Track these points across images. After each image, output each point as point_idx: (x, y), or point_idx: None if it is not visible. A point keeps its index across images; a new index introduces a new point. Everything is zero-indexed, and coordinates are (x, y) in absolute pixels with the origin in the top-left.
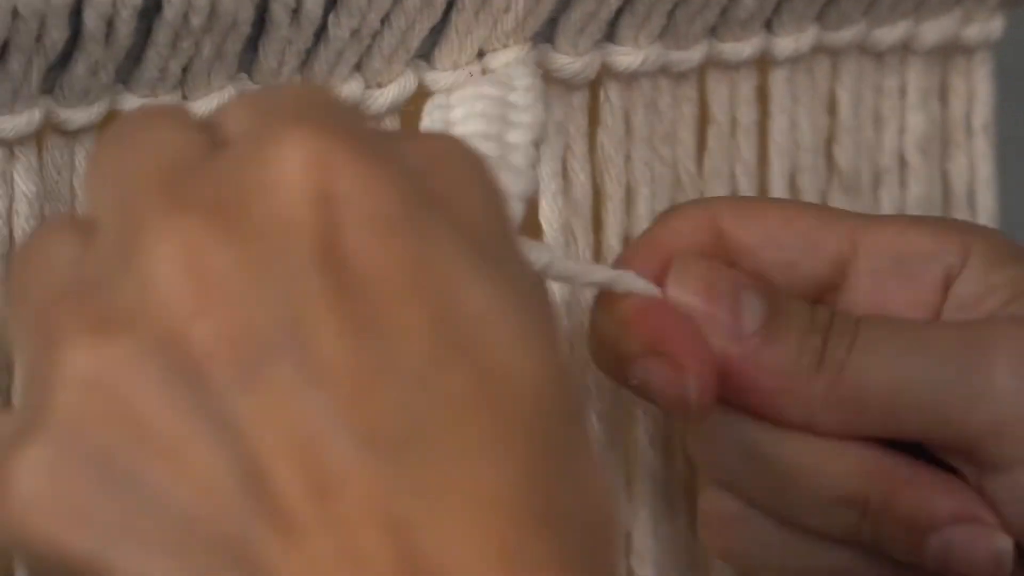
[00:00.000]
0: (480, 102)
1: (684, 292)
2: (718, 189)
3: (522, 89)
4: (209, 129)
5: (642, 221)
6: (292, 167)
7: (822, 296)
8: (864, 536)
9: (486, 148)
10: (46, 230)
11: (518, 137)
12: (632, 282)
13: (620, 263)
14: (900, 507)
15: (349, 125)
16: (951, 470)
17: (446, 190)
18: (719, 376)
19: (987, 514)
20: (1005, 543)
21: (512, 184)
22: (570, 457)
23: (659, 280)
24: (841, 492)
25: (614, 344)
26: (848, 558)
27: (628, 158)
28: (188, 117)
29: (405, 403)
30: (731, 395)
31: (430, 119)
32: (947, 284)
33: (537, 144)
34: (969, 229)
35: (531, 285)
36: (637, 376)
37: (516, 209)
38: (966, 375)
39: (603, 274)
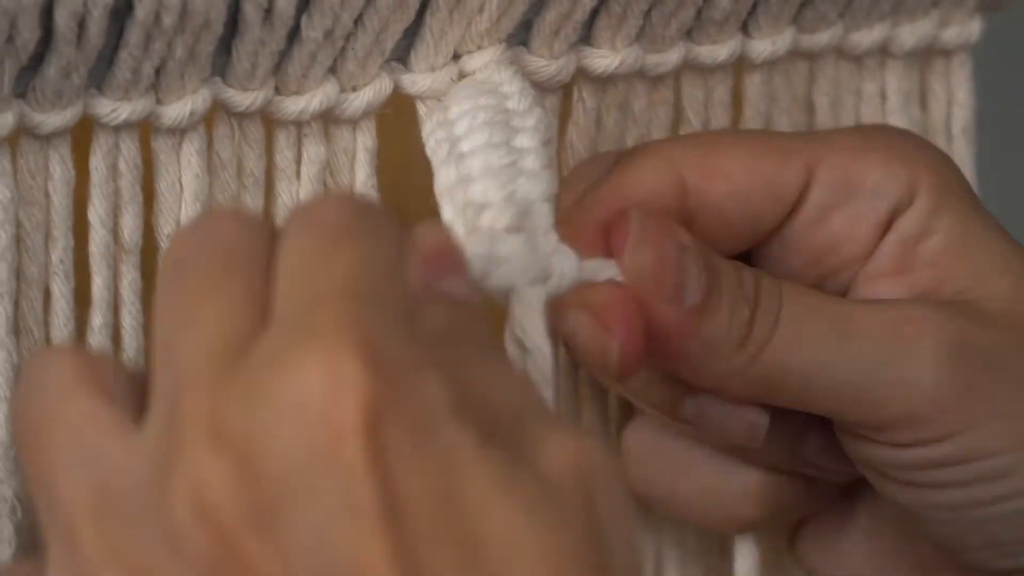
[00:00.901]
0: (481, 113)
1: (638, 260)
2: None
3: (517, 94)
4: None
5: None
6: (317, 401)
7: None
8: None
9: (496, 157)
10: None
11: (527, 141)
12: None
13: (581, 209)
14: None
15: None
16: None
17: (478, 379)
18: (648, 340)
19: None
20: (760, 416)
21: (531, 189)
22: None
23: (617, 236)
24: None
25: None
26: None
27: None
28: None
29: None
30: (659, 357)
31: (434, 139)
32: (892, 218)
33: (547, 144)
34: (922, 163)
35: (562, 496)
36: (567, 326)
37: (541, 211)
38: (887, 366)
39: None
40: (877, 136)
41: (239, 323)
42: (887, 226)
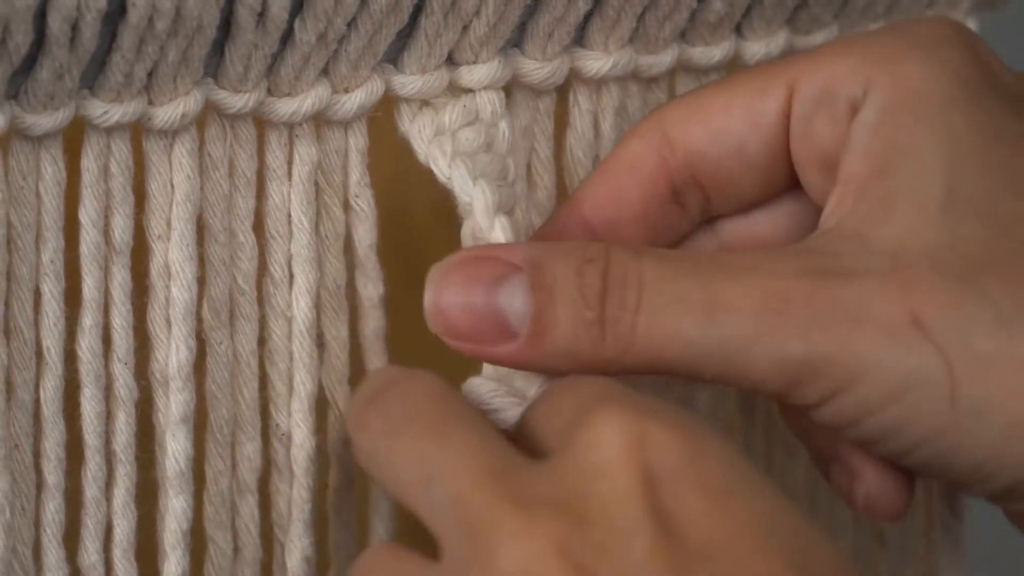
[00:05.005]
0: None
1: (445, 320)
2: None
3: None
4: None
5: None
6: (613, 450)
7: (788, 155)
8: None
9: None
10: (382, 557)
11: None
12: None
13: (589, 185)
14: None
15: (649, 401)
16: None
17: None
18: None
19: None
20: (863, 490)
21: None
22: None
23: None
24: None
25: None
26: None
27: (597, 160)
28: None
29: None
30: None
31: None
32: (851, 115)
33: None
34: (881, 60)
35: None
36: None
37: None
38: (760, 342)
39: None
40: (863, 38)
41: (494, 446)
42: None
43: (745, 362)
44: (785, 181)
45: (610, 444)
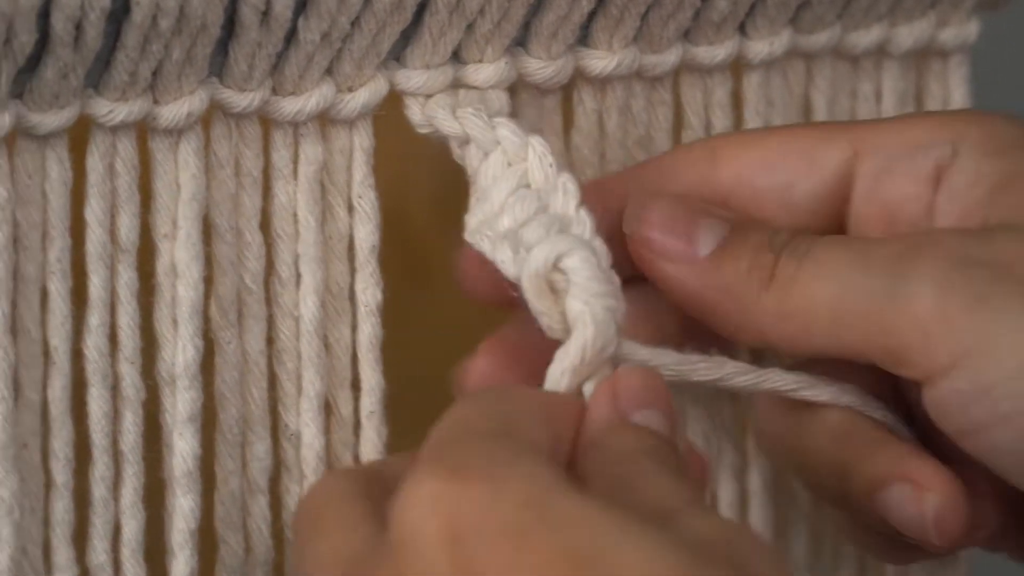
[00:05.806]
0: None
1: (640, 227)
2: None
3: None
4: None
5: None
6: (415, 522)
7: (835, 209)
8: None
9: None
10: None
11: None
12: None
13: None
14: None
15: (460, 451)
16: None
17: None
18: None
19: (923, 469)
20: (933, 502)
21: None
22: None
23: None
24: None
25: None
26: None
27: (603, 159)
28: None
29: None
30: (697, 318)
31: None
32: (939, 176)
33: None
34: (966, 118)
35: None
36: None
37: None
38: (894, 288)
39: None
40: (925, 113)
41: (351, 533)
42: (936, 182)
43: (882, 310)
44: (815, 227)
45: (412, 516)
